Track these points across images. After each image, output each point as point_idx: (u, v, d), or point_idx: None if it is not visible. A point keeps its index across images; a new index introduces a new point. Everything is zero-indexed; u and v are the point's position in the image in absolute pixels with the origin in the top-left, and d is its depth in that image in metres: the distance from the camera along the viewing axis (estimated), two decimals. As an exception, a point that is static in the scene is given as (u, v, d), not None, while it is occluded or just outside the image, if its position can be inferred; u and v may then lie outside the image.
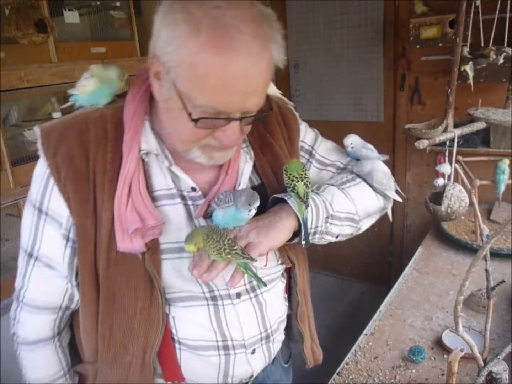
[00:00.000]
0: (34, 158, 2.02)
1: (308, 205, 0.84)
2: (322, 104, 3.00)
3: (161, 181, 0.84)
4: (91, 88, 0.88)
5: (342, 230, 0.93)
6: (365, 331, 1.37)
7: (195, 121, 0.72)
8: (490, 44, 1.97)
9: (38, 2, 1.98)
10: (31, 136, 2.00)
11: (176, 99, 0.73)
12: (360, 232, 0.98)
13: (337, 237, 0.93)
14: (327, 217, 0.88)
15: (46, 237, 0.84)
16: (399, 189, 1.03)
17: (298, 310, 1.02)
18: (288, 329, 1.06)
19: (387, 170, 1.01)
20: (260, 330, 0.92)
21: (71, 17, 2.17)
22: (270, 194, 0.90)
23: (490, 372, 0.90)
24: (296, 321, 1.02)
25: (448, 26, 2.28)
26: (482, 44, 2.03)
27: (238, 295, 0.89)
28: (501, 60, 1.98)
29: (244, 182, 0.90)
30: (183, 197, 0.85)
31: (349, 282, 3.24)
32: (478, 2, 1.95)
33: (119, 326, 0.85)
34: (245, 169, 0.91)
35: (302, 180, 0.85)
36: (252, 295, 0.91)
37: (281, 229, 0.82)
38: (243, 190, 0.83)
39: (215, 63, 0.68)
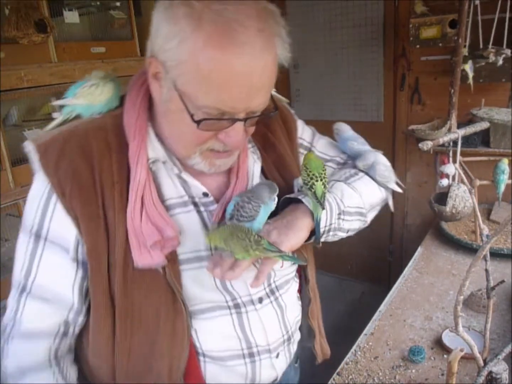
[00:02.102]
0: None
1: (324, 208, 0.84)
2: (322, 104, 3.00)
3: (172, 189, 0.80)
4: (104, 97, 0.82)
5: (352, 225, 0.93)
6: (365, 331, 1.37)
7: (198, 122, 0.69)
8: (490, 44, 1.97)
9: (38, 2, 1.98)
10: (31, 136, 2.00)
11: (177, 100, 0.70)
12: (367, 225, 0.99)
13: (347, 232, 0.93)
14: (339, 214, 0.88)
15: (45, 266, 0.76)
16: (398, 180, 1.05)
17: (309, 308, 1.02)
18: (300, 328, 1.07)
19: (388, 163, 1.02)
20: (283, 332, 0.92)
21: (71, 17, 2.17)
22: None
23: (490, 372, 0.90)
24: (308, 318, 1.02)
25: (448, 26, 2.28)
26: (481, 44, 2.03)
27: (260, 299, 0.87)
28: (500, 62, 1.98)
29: (256, 182, 0.90)
30: (195, 204, 0.82)
31: (349, 282, 3.24)
32: (477, 2, 1.95)
33: (140, 345, 0.80)
34: (255, 170, 0.90)
35: (321, 180, 0.84)
36: (272, 298, 0.89)
37: (299, 228, 0.82)
38: (259, 187, 0.82)
39: (217, 59, 0.65)
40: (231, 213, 0.80)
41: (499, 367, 0.91)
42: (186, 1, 0.66)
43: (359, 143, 1.03)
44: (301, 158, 1.00)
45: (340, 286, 3.22)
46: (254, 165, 0.90)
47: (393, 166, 3.16)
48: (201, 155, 0.77)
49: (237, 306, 0.84)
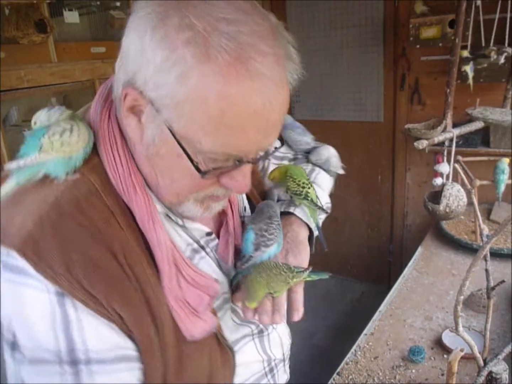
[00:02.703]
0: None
1: (328, 212, 0.85)
2: (322, 104, 2.99)
3: (180, 241, 0.68)
4: (82, 144, 0.59)
5: (322, 220, 0.95)
6: (365, 331, 1.37)
7: (203, 172, 0.57)
8: (491, 44, 1.98)
9: (38, 2, 1.98)
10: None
11: (172, 144, 0.56)
12: None
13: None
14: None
15: None
16: (343, 164, 1.09)
17: None
18: None
19: (336, 152, 1.05)
20: (289, 339, 0.92)
21: (71, 17, 2.17)
22: (255, 204, 0.86)
23: (490, 372, 0.90)
24: None
25: (448, 26, 2.28)
26: (483, 44, 2.03)
27: None
28: (502, 60, 1.99)
29: (247, 205, 0.84)
30: (202, 247, 0.72)
31: (349, 282, 3.24)
32: (479, 2, 1.96)
33: None
34: None
35: (311, 186, 0.85)
36: None
37: (304, 243, 0.80)
38: (265, 207, 0.78)
39: (232, 96, 0.52)
40: (255, 242, 0.73)
41: (499, 367, 0.91)
42: (185, 20, 0.51)
43: (296, 133, 1.05)
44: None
45: (340, 286, 3.22)
46: None
47: (393, 166, 3.17)
48: (196, 201, 0.64)
49: (260, 331, 0.82)
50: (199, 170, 0.56)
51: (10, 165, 0.59)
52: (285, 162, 1.04)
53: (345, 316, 2.91)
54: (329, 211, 0.99)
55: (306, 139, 1.06)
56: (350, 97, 2.89)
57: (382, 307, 1.49)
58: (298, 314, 0.70)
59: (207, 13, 0.51)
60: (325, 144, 1.07)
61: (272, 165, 0.99)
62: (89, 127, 0.62)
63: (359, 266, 3.22)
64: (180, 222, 0.68)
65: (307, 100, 3.05)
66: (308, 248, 0.81)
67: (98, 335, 0.55)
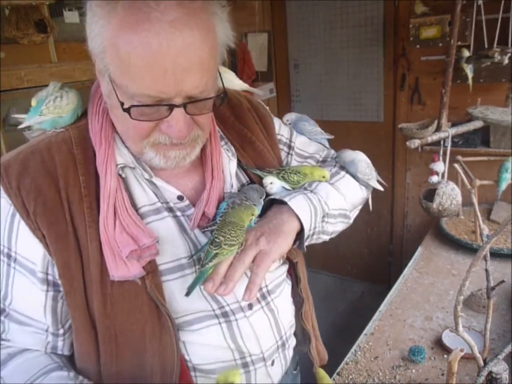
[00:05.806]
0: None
1: (348, 221, 0.92)
2: (322, 104, 3.00)
3: (143, 197, 0.77)
4: (71, 106, 0.78)
5: (335, 227, 0.92)
6: (365, 331, 1.36)
7: (127, 111, 0.66)
8: (495, 43, 1.97)
9: (38, 2, 1.98)
10: (31, 136, 2.00)
11: (113, 92, 0.67)
12: (349, 225, 0.98)
13: (331, 234, 0.92)
14: (323, 216, 0.87)
15: (17, 290, 0.73)
16: (379, 178, 1.04)
17: (302, 309, 0.98)
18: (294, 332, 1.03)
19: (368, 160, 1.01)
20: (276, 338, 0.87)
21: (71, 17, 2.17)
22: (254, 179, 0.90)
23: (490, 372, 0.90)
24: (302, 320, 0.98)
25: (448, 26, 2.28)
26: (486, 44, 2.03)
27: (250, 306, 0.82)
28: (506, 61, 1.98)
29: (235, 182, 0.87)
30: (170, 209, 0.78)
31: (349, 282, 3.25)
32: (480, 2, 1.95)
33: (129, 368, 0.76)
34: (231, 168, 0.86)
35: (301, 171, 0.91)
36: (263, 303, 0.85)
37: (287, 233, 0.79)
38: (249, 189, 0.82)
39: (133, 40, 0.61)
40: (224, 212, 0.78)
41: (499, 367, 0.91)
42: None
43: (310, 124, 1.07)
44: (282, 154, 1.00)
45: (340, 286, 3.22)
46: (230, 163, 0.86)
47: (393, 166, 3.14)
48: (152, 148, 0.72)
49: (225, 314, 0.79)
50: (123, 109, 0.65)
51: (21, 125, 0.79)
52: (311, 161, 1.02)
53: (345, 316, 2.91)
54: (347, 220, 0.95)
55: (318, 129, 1.07)
56: (350, 97, 2.89)
57: (382, 307, 1.48)
58: (249, 295, 0.70)
59: None
60: (322, 134, 1.06)
61: (294, 161, 1.02)
62: (79, 94, 0.79)
63: (359, 266, 3.22)
64: (146, 175, 0.77)
65: (307, 100, 3.05)
66: (290, 240, 0.79)
67: (26, 245, 0.71)
